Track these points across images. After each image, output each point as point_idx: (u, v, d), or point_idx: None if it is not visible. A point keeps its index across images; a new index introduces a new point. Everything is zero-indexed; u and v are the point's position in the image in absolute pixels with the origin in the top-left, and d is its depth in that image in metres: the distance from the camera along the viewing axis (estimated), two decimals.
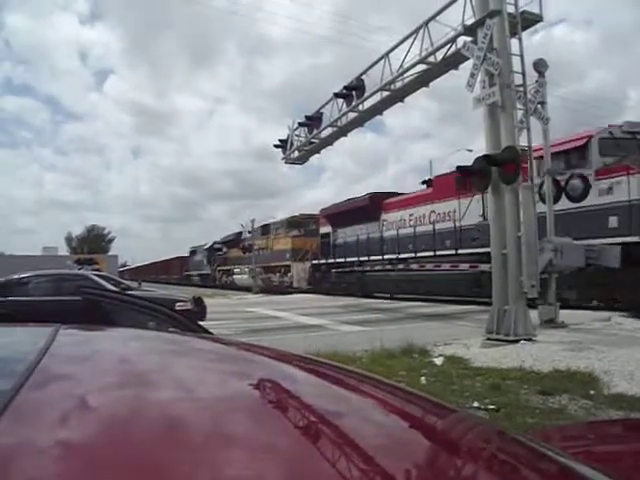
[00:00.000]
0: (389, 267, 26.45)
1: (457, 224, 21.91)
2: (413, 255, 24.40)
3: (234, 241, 49.19)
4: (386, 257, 26.60)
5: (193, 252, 65.21)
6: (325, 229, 33.86)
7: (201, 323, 2.06)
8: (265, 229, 43.68)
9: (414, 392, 1.24)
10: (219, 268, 54.20)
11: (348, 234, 30.67)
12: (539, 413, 5.53)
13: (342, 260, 30.54)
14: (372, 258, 27.73)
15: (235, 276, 49.17)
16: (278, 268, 39.72)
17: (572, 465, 0.93)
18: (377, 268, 27.68)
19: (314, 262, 34.59)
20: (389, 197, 28.30)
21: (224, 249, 52.92)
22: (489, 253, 11.63)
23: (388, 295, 26.43)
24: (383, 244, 27.12)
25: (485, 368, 7.85)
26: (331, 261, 32.01)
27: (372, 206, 28.03)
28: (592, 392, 6.20)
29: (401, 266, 25.22)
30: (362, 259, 28.63)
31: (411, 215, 25.24)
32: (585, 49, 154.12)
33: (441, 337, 10.95)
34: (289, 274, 37.91)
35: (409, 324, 14.51)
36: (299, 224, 39.58)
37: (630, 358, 7.81)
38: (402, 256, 25.07)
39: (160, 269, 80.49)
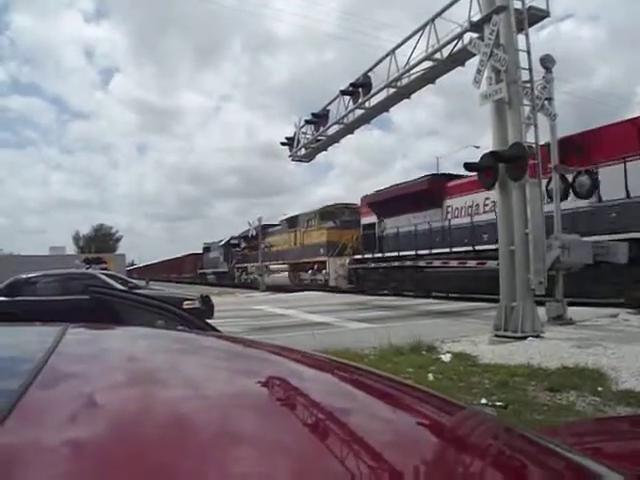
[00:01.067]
0: (455, 262, 22.16)
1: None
2: (492, 247, 17.48)
3: (254, 236, 45.16)
4: (455, 250, 22.18)
5: (207, 249, 61.42)
6: (368, 219, 29.59)
7: (209, 321, 2.06)
8: (292, 222, 39.82)
9: (422, 389, 1.24)
10: (238, 265, 50.02)
11: (401, 224, 26.38)
12: (547, 410, 5.52)
13: (393, 254, 26.11)
14: (435, 251, 23.56)
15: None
16: (310, 265, 35.50)
17: (581, 461, 0.93)
18: (436, 264, 23.47)
19: (355, 257, 30.64)
20: (453, 179, 23.78)
21: (243, 245, 48.99)
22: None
23: (446, 294, 23.31)
24: (449, 234, 22.94)
25: (493, 365, 7.83)
26: (378, 255, 27.74)
27: (432, 190, 24.00)
28: (600, 389, 6.18)
29: (472, 263, 20.95)
30: (421, 252, 24.36)
31: (487, 199, 20.42)
32: (593, 44, 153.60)
33: (449, 334, 10.93)
34: (324, 271, 33.55)
35: (417, 321, 14.50)
36: (334, 215, 35.37)
37: (638, 354, 7.77)
38: (478, 248, 20.66)
39: (171, 267, 77.45)
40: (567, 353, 8.23)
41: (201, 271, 61.56)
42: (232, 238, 52.05)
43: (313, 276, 35.22)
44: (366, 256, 29.21)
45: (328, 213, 35.69)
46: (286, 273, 39.23)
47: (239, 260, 49.74)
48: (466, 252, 21.58)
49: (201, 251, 63.91)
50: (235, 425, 0.80)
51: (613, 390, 6.16)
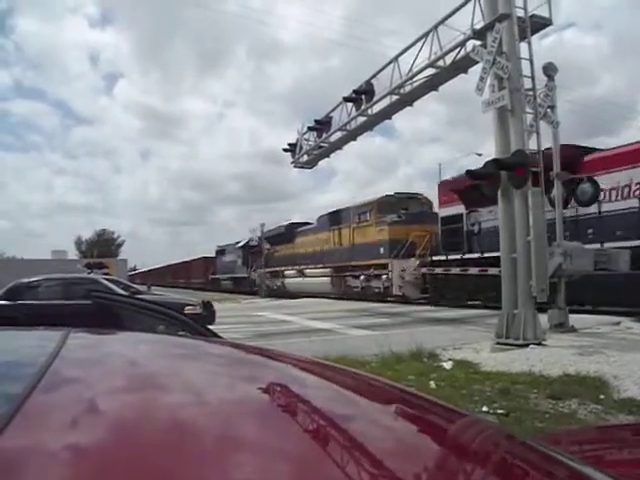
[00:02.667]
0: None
1: None
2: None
3: (284, 235, 40.00)
4: (608, 245, 15.00)
5: (221, 252, 55.62)
6: (451, 210, 22.91)
7: (210, 327, 2.06)
8: (335, 217, 33.14)
9: (423, 396, 1.24)
10: (261, 270, 44.00)
11: None
12: (549, 418, 5.51)
13: (493, 254, 17.15)
14: None
15: (290, 279, 38.93)
16: (363, 268, 29.00)
17: (582, 470, 0.93)
18: None
19: (433, 259, 23.94)
20: (590, 152, 17.70)
21: (266, 246, 43.54)
22: None
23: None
24: (593, 226, 16.61)
25: (494, 372, 7.83)
26: (470, 256, 21.18)
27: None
28: (602, 396, 6.17)
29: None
30: None
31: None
32: (596, 53, 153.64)
33: (450, 341, 10.92)
34: (384, 276, 26.77)
35: (418, 328, 14.48)
36: (396, 206, 28.36)
37: None
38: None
39: (178, 272, 72.35)
40: (569, 361, 8.22)
41: (214, 276, 56.49)
42: (251, 239, 47.12)
43: (367, 282, 28.88)
44: (451, 257, 22.58)
45: (389, 205, 28.68)
46: (326, 279, 33.24)
47: (262, 264, 44.00)
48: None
49: (213, 255, 58.65)
50: (236, 431, 0.80)
51: (615, 398, 6.15)
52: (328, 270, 33.18)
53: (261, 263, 43.99)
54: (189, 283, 64.22)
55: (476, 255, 20.79)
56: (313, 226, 37.04)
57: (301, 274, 36.98)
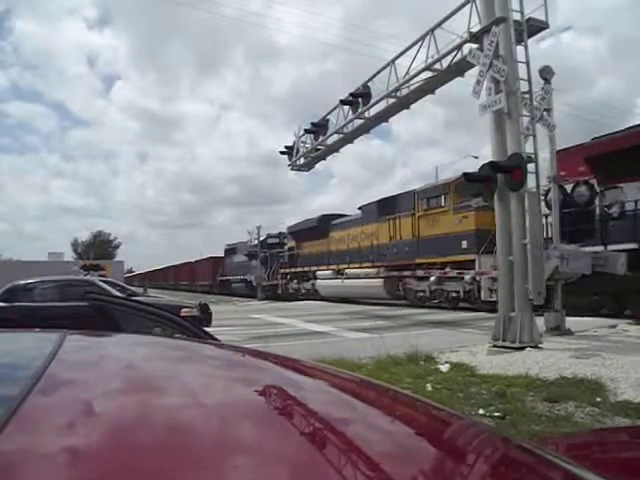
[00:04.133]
0: None
1: None
2: None
3: (315, 230, 33.49)
4: None
5: (231, 251, 50.13)
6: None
7: (207, 329, 2.06)
8: (388, 205, 26.68)
9: (420, 399, 1.24)
10: (283, 271, 38.56)
11: None
12: (545, 420, 5.51)
13: None
14: None
15: (324, 281, 32.49)
16: (434, 267, 23.09)
17: (578, 473, 0.93)
18: None
19: None
20: None
21: (290, 244, 38.15)
22: None
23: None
24: None
25: (491, 375, 7.82)
26: (613, 248, 14.86)
27: None
28: (598, 399, 6.18)
29: None
30: None
31: None
32: (593, 56, 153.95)
33: (447, 344, 10.93)
34: (467, 276, 20.66)
35: (415, 331, 14.45)
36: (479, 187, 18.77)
37: (637, 365, 7.77)
38: None
39: (181, 274, 68.16)
40: (565, 364, 8.22)
41: (223, 278, 51.03)
42: (269, 236, 42.46)
43: (438, 285, 22.86)
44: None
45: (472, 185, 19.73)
46: (377, 281, 27.09)
47: (284, 264, 38.63)
48: None
49: (221, 255, 53.68)
50: (232, 434, 0.80)
51: (611, 401, 6.15)
52: (379, 270, 27.13)
53: (283, 262, 39.02)
54: (193, 286, 60.24)
55: (621, 246, 14.95)
56: (355, 217, 30.87)
57: (339, 275, 30.84)
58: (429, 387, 7.19)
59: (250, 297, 40.23)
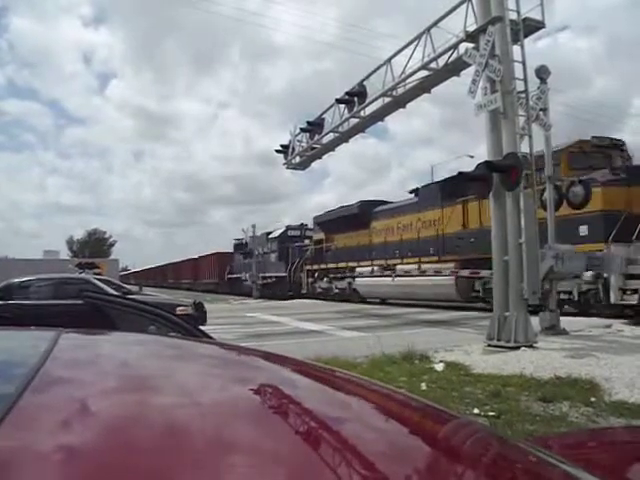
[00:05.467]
0: None
1: None
2: None
3: (352, 219, 28.23)
4: None
5: (242, 246, 43.48)
6: None
7: (202, 327, 2.06)
8: (460, 185, 17.70)
9: (414, 398, 1.24)
10: (309, 267, 33.32)
11: None
12: (539, 420, 5.52)
13: None
14: None
15: (365, 279, 27.38)
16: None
17: (572, 472, 0.93)
18: None
19: None
20: None
21: (317, 236, 32.98)
22: None
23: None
24: None
25: (486, 375, 7.83)
26: None
27: None
28: (593, 399, 6.18)
29: None
30: None
31: None
32: (589, 55, 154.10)
33: (442, 343, 10.93)
34: (588, 274, 14.15)
35: (409, 330, 14.47)
36: (594, 158, 17.29)
37: (631, 365, 7.80)
38: None
39: (182, 272, 63.37)
40: (560, 363, 8.24)
41: (231, 276, 46.21)
42: (289, 228, 37.88)
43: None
44: None
45: (584, 156, 17.35)
46: (446, 280, 21.36)
47: (311, 259, 33.36)
48: None
49: (230, 250, 48.16)
50: (228, 433, 0.79)
51: (606, 401, 6.16)
52: (448, 266, 21.63)
53: (308, 258, 33.75)
54: (196, 284, 55.23)
55: None
56: (407, 202, 25.65)
57: (387, 271, 25.54)
58: (424, 386, 7.20)
59: (268, 298, 35.36)
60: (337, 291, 30.22)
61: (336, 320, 18.38)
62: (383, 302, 26.73)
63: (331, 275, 30.90)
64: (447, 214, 21.80)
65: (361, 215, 27.76)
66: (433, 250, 22.40)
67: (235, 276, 44.99)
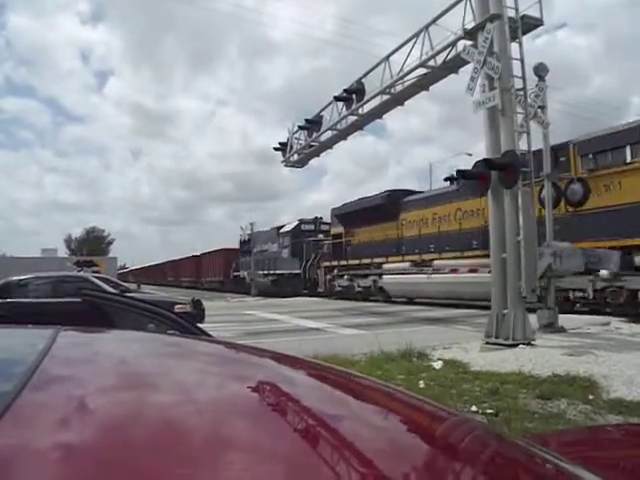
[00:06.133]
0: None
1: None
2: None
3: (378, 210, 25.57)
4: None
5: (249, 242, 41.80)
6: None
7: (200, 325, 2.06)
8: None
9: (413, 395, 1.24)
10: (327, 264, 30.92)
11: None
12: (538, 418, 5.52)
13: None
14: None
15: (394, 276, 24.62)
16: None
17: (571, 470, 0.93)
18: None
19: None
20: None
21: (335, 230, 30.67)
22: None
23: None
24: None
25: (484, 372, 7.84)
26: None
27: None
28: (591, 397, 6.19)
29: None
30: None
31: None
32: (588, 53, 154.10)
33: (440, 341, 10.93)
34: None
35: (408, 328, 14.47)
36: None
37: (629, 363, 7.80)
38: None
39: (183, 269, 61.59)
40: (558, 361, 8.24)
41: (237, 273, 44.16)
42: (302, 222, 35.50)
43: (611, 282, 14.87)
44: None
45: None
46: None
47: (330, 255, 31.00)
48: None
49: (236, 246, 45.66)
50: (226, 430, 0.80)
51: (604, 398, 6.17)
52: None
53: (325, 253, 31.57)
54: (199, 282, 53.84)
55: None
56: (442, 191, 23.59)
57: (419, 268, 23.24)
58: (422, 384, 7.20)
59: (281, 296, 32.56)
60: (360, 289, 27.71)
61: (335, 318, 18.40)
62: (410, 301, 24.93)
63: (352, 272, 28.38)
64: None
65: (388, 206, 25.26)
66: (476, 244, 19.69)
67: (240, 274, 43.40)
